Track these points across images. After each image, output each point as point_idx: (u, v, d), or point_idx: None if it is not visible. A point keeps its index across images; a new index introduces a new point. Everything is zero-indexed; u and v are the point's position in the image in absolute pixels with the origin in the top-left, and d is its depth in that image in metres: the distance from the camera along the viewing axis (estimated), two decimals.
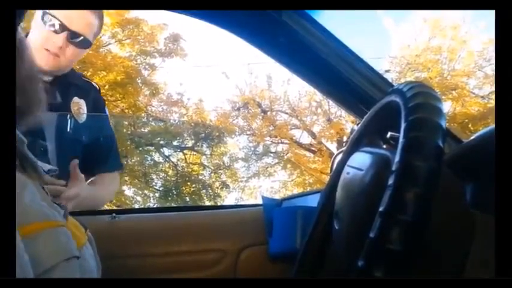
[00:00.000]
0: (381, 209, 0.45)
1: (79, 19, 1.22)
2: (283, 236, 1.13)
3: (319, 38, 0.95)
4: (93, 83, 1.43)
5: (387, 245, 0.42)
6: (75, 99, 1.32)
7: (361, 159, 0.64)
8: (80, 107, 1.32)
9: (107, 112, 1.46)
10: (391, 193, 0.44)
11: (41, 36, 1.21)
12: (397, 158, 0.46)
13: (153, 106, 9.92)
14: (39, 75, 0.62)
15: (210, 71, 15.50)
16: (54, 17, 1.19)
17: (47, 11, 1.19)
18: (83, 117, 1.32)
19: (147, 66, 9.35)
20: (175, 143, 9.93)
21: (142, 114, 9.60)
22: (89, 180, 1.34)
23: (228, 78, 10.08)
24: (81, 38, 1.24)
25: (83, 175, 1.17)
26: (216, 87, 18.64)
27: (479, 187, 0.58)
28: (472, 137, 0.64)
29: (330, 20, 0.96)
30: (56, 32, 1.20)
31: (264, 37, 0.98)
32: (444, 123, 0.48)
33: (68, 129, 1.28)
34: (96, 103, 1.38)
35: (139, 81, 9.19)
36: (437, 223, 0.47)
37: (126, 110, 9.14)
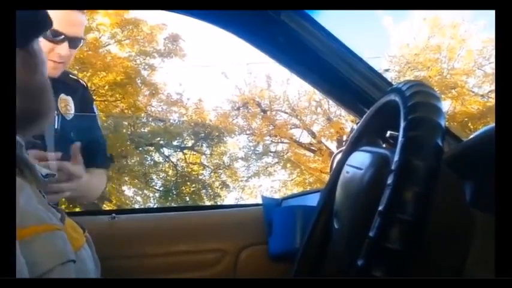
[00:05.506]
0: (380, 208, 0.45)
1: (74, 22, 1.22)
2: (283, 235, 1.13)
3: (318, 37, 0.95)
4: (81, 80, 1.42)
5: (387, 244, 0.42)
6: (62, 96, 1.31)
7: (361, 159, 0.64)
8: (67, 104, 1.32)
9: (96, 109, 1.46)
10: (390, 192, 0.44)
11: (44, 50, 1.21)
12: (396, 157, 0.46)
13: (153, 106, 9.92)
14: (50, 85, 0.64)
15: (209, 71, 15.50)
16: (52, 27, 1.19)
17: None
18: (70, 114, 1.31)
19: (146, 67, 9.34)
20: (175, 143, 9.93)
21: (142, 115, 9.60)
22: None
23: (227, 78, 10.10)
24: (78, 39, 1.25)
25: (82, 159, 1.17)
26: (215, 87, 18.69)
27: (479, 186, 0.58)
28: (471, 136, 0.64)
29: (329, 19, 0.96)
30: (57, 42, 1.20)
31: (263, 37, 0.98)
32: (443, 122, 0.48)
33: (56, 127, 1.27)
34: (83, 100, 1.38)
35: (138, 81, 9.19)
36: (437, 222, 0.47)
37: (126, 110, 9.14)
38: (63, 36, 1.21)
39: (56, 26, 1.19)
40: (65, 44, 1.21)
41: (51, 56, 1.21)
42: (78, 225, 0.72)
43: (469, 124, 8.42)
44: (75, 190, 1.12)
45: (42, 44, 1.21)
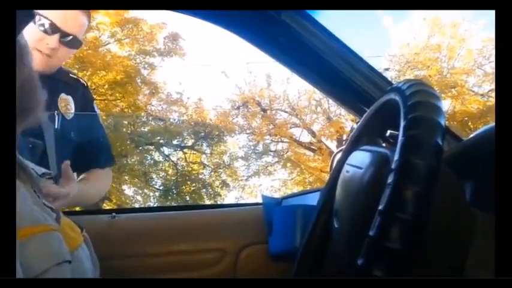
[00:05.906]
0: (380, 207, 0.45)
1: (71, 19, 1.20)
2: (283, 234, 1.13)
3: (319, 37, 0.95)
4: (81, 80, 1.41)
5: (387, 244, 0.42)
6: (63, 95, 1.30)
7: (361, 158, 0.64)
8: (67, 103, 1.30)
9: (96, 108, 1.45)
10: (390, 191, 0.44)
11: (32, 37, 1.18)
12: (396, 156, 0.46)
13: (153, 105, 9.92)
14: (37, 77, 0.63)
15: (209, 70, 15.50)
16: (46, 18, 1.18)
17: (39, 11, 1.17)
18: (70, 113, 1.30)
19: (146, 66, 9.34)
20: (175, 142, 9.94)
21: (142, 114, 9.60)
22: (81, 177, 1.34)
23: (227, 77, 10.09)
24: (74, 38, 1.23)
25: (74, 174, 1.15)
26: (215, 86, 18.67)
27: (479, 185, 0.58)
28: (471, 135, 0.64)
29: (329, 19, 0.96)
30: (48, 33, 1.19)
31: (263, 36, 0.97)
32: (443, 121, 0.48)
33: (56, 126, 1.26)
34: (84, 99, 1.37)
35: (138, 80, 9.19)
36: (437, 222, 0.47)
37: (126, 110, 9.14)
38: (55, 28, 1.19)
39: (50, 15, 1.18)
40: (56, 36, 1.19)
41: (39, 45, 1.19)
42: (76, 225, 0.72)
43: (469, 123, 8.42)
44: (68, 203, 1.10)
45: (33, 31, 1.20)
